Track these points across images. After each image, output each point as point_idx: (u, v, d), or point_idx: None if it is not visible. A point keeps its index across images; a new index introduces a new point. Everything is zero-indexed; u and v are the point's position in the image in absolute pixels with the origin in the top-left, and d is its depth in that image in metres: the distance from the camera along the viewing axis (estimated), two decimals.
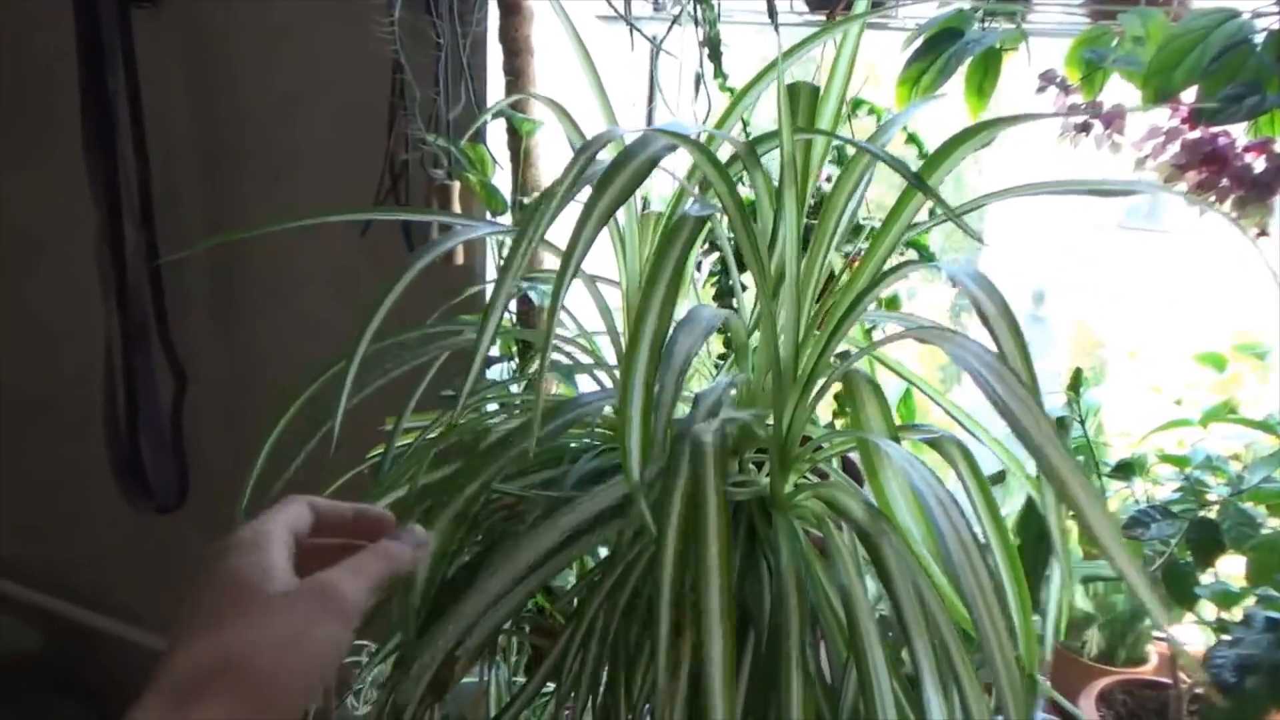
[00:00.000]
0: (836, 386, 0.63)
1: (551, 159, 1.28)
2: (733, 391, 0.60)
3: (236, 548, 0.45)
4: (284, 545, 0.46)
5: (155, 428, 1.66)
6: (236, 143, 1.52)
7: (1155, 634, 1.29)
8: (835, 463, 0.67)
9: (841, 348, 0.60)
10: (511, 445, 0.58)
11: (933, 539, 0.52)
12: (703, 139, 0.50)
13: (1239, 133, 0.94)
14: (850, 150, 0.77)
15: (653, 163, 0.43)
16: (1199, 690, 1.14)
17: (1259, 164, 0.91)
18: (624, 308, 0.73)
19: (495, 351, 1.39)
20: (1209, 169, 0.91)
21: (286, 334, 1.59)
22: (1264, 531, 0.98)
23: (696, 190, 1.04)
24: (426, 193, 1.33)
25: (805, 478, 0.63)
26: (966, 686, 0.47)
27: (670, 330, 0.48)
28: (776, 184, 0.56)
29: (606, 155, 0.51)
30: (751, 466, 0.66)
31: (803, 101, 0.60)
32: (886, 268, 0.53)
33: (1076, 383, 1.07)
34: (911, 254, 1.15)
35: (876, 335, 0.76)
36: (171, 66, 1.51)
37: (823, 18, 1.15)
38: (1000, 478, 0.95)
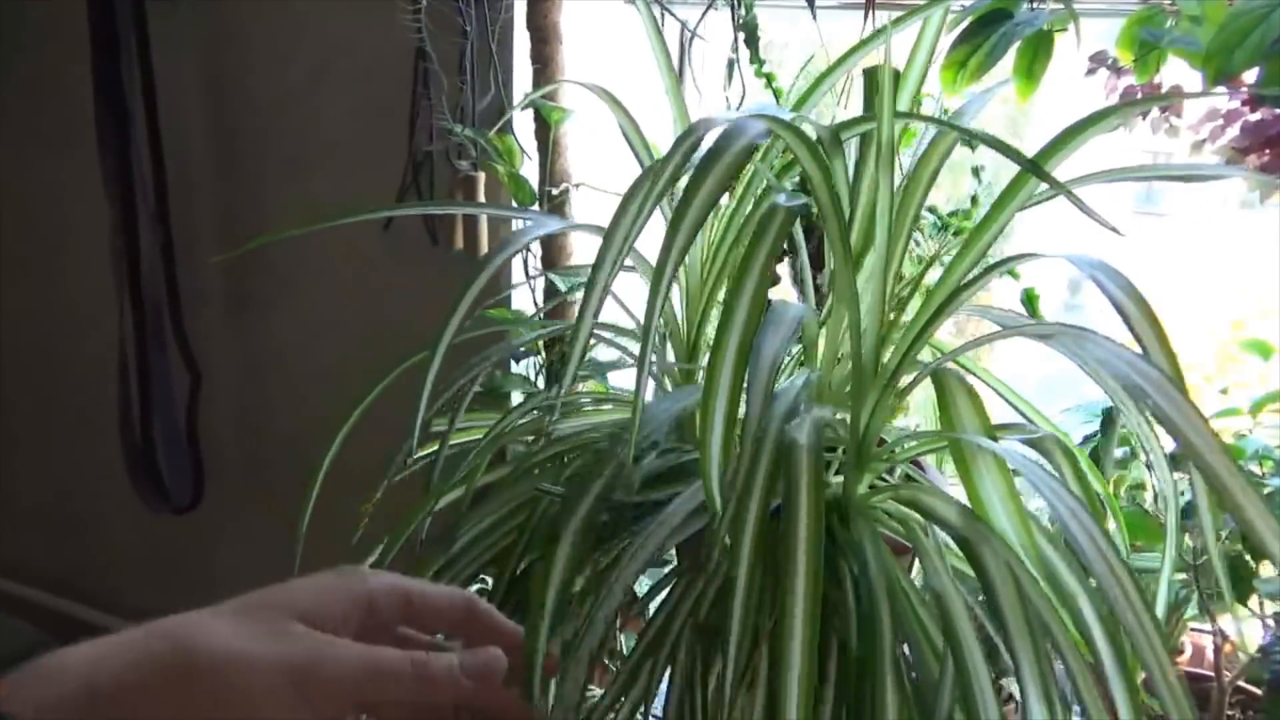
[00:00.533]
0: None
1: (581, 149, 1.25)
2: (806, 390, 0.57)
3: (319, 577, 0.43)
4: (353, 601, 0.42)
5: (170, 426, 1.63)
6: (253, 136, 1.49)
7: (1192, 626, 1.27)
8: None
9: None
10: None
11: (1035, 547, 0.49)
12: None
13: None
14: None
15: (751, 149, 0.41)
16: (1241, 683, 1.12)
17: None
18: (683, 300, 0.70)
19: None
20: (1272, 152, 0.88)
21: (303, 329, 1.56)
22: None
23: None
24: (451, 185, 1.30)
25: (882, 478, 0.61)
26: (1089, 704, 0.44)
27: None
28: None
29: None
30: None
31: (884, 83, 0.57)
32: (977, 262, 0.51)
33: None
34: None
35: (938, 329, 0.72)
36: (187, 59, 1.48)
37: (861, 1, 1.12)
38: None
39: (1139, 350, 0.43)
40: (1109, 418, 1.09)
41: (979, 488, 0.52)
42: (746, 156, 0.41)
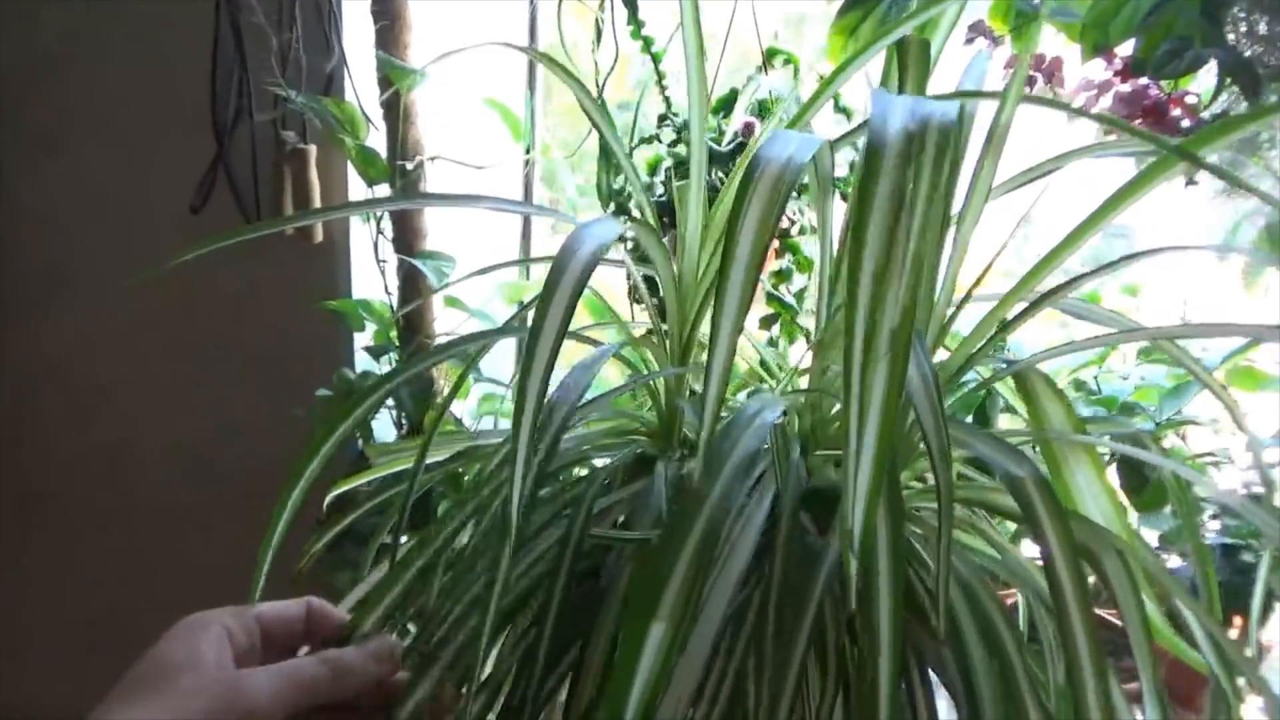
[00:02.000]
0: None
1: (434, 117, 1.11)
2: None
3: (173, 634, 0.44)
4: (218, 638, 0.44)
5: None
6: None
7: None
8: None
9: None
10: None
11: (1135, 544, 0.48)
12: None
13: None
14: None
15: (949, 131, 0.34)
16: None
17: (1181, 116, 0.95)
18: (675, 292, 0.62)
19: (370, 340, 1.22)
20: (1147, 121, 0.94)
21: (81, 334, 1.30)
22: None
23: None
24: (276, 159, 1.12)
25: (919, 479, 0.57)
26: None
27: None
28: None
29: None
30: None
31: (913, 59, 0.52)
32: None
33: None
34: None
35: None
36: None
37: None
38: None
39: None
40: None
41: (1071, 484, 0.50)
42: (947, 139, 0.34)
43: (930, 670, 0.53)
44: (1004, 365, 0.51)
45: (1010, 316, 0.49)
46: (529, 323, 0.43)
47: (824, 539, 0.51)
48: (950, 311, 0.51)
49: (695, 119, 0.64)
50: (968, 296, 0.51)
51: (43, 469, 1.39)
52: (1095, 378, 1.17)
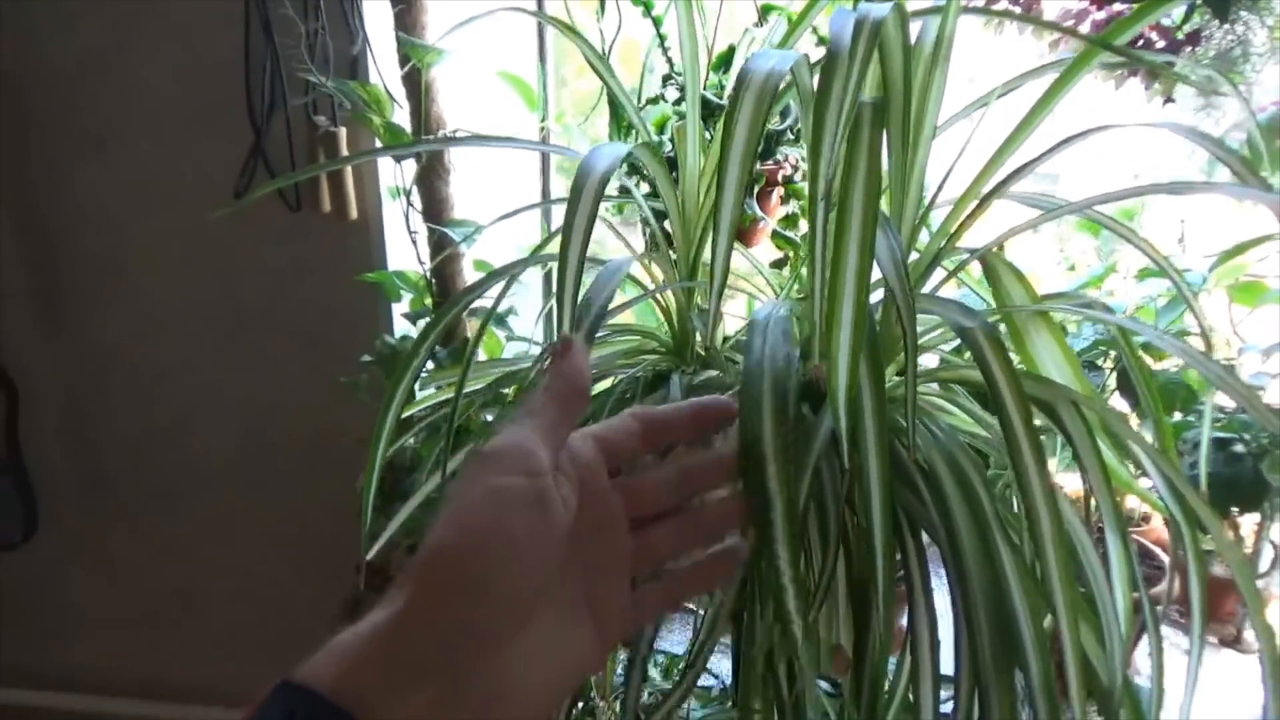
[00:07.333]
0: None
1: (454, 94, 1.19)
2: None
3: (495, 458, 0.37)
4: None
5: None
6: (44, 107, 1.29)
7: None
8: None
9: None
10: None
11: (1095, 398, 0.54)
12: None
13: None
14: None
15: (878, 32, 0.41)
16: None
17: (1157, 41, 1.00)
18: (679, 217, 0.69)
19: (407, 307, 1.30)
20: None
21: (139, 321, 1.40)
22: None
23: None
24: (310, 144, 1.20)
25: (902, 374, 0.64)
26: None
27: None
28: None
29: None
30: None
31: None
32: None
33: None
34: None
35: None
36: None
37: None
38: None
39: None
40: None
41: (1034, 354, 0.56)
42: (874, 42, 0.41)
43: (922, 530, 0.60)
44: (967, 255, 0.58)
45: (967, 214, 0.55)
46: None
47: (818, 416, 0.58)
48: (920, 213, 0.58)
49: (689, 70, 0.71)
50: (933, 200, 0.58)
51: (112, 451, 1.49)
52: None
